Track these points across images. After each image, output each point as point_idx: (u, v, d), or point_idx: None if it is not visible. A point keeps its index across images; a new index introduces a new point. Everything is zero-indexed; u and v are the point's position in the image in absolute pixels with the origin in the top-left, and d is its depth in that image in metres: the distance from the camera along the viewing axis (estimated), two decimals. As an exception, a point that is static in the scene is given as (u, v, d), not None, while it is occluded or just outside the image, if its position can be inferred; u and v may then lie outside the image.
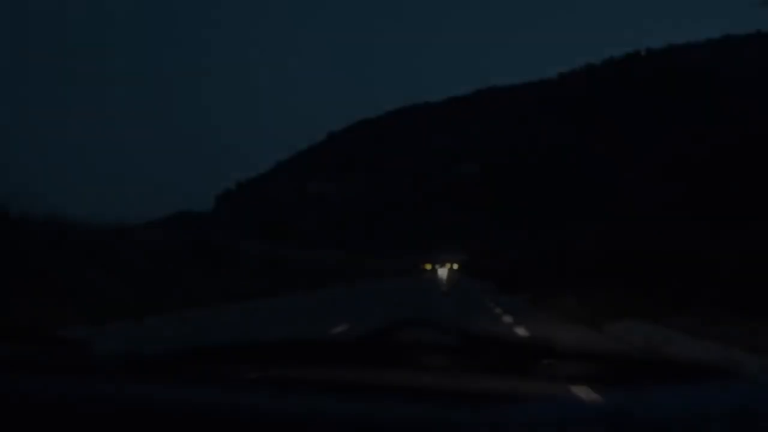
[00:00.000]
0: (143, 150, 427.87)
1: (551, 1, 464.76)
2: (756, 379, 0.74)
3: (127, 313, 14.10)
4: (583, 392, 0.80)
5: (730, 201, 17.20)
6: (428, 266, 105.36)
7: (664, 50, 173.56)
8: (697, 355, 7.96)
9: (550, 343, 0.91)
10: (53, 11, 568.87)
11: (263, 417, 0.77)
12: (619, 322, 12.15)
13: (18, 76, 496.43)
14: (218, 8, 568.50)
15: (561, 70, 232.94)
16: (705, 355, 7.80)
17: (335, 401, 0.80)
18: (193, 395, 0.83)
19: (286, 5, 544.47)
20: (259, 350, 0.99)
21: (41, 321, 11.65)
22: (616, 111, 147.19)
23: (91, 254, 18.51)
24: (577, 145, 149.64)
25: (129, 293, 17.12)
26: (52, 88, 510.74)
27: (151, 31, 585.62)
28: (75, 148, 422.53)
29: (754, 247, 12.67)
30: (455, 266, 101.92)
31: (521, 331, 11.95)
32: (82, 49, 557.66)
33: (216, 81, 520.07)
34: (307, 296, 27.82)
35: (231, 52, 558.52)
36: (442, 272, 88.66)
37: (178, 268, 23.30)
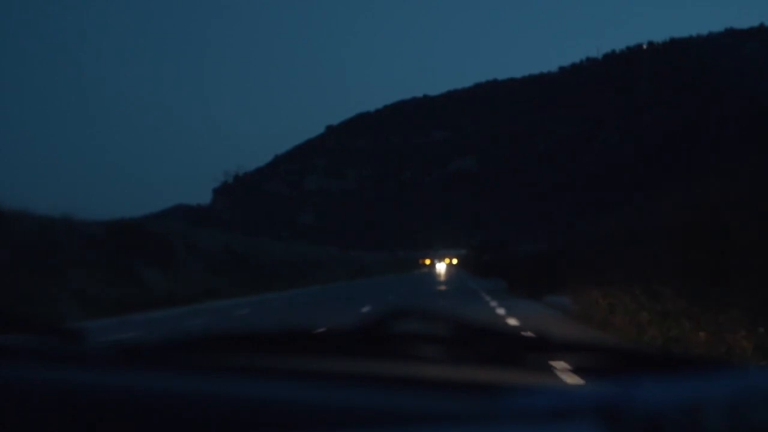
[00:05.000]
0: (143, 144, 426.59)
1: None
2: (748, 371, 0.74)
3: None
4: (577, 384, 0.79)
5: None
6: (427, 261, 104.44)
7: (666, 44, 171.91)
8: None
9: (543, 334, 0.92)
10: (55, 5, 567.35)
11: (256, 406, 0.78)
12: None
13: (16, 68, 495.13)
14: (218, 1, 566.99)
15: (562, 63, 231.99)
16: None
17: (327, 391, 0.81)
18: (186, 384, 0.83)
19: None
20: (253, 340, 1.00)
21: None
22: (617, 104, 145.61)
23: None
24: (578, 138, 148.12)
25: None
26: (52, 83, 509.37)
27: (151, 25, 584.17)
28: (73, 143, 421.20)
29: None
30: (454, 261, 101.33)
31: None
32: (81, 43, 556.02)
33: (215, 75, 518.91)
34: (259, 299, 23.27)
35: (230, 46, 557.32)
36: (441, 267, 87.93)
37: (65, 267, 18.58)
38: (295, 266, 36.90)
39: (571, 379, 0.87)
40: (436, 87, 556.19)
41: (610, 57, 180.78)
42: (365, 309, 15.84)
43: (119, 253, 21.99)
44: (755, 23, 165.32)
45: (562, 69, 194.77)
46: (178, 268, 24.31)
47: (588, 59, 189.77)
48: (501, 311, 14.75)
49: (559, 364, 0.90)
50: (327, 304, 19.74)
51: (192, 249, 27.30)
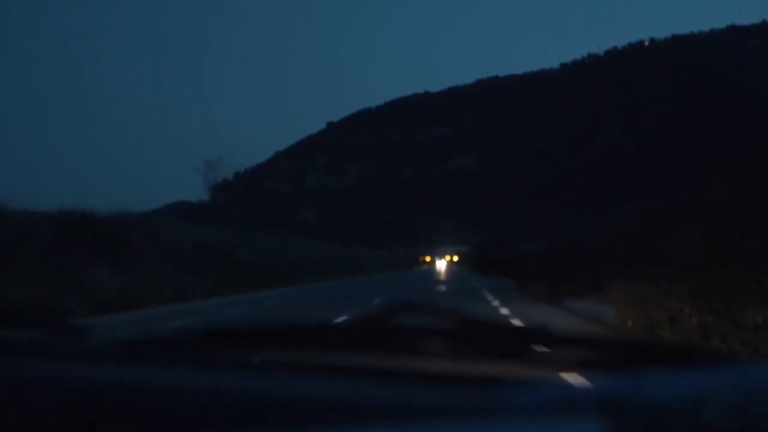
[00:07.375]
0: (142, 141, 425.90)
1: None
2: (749, 364, 0.75)
3: None
4: (579, 378, 0.79)
5: None
6: (428, 258, 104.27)
7: (668, 40, 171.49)
8: None
9: (546, 329, 0.92)
10: (53, 2, 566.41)
11: (258, 401, 0.78)
12: None
13: (16, 68, 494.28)
14: (218, 1, 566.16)
15: (563, 60, 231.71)
16: None
17: (330, 385, 0.81)
18: (189, 379, 0.84)
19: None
20: (257, 334, 1.00)
21: None
22: (618, 102, 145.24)
23: None
24: (579, 135, 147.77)
25: None
26: (52, 82, 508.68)
27: (151, 24, 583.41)
28: (74, 141, 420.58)
29: None
30: (455, 258, 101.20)
31: None
32: (81, 40, 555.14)
33: (216, 71, 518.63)
34: (216, 302, 19.15)
35: (230, 44, 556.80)
36: (441, 264, 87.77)
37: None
38: (294, 264, 35.66)
39: (575, 373, 0.85)
40: (437, 84, 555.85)
41: (612, 54, 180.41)
42: (341, 318, 12.19)
43: (56, 247, 18.46)
44: (757, 20, 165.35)
45: (563, 66, 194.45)
46: (132, 266, 20.48)
47: (589, 56, 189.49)
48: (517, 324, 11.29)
49: (562, 359, 0.89)
50: (300, 308, 16.86)
51: (156, 244, 23.64)
